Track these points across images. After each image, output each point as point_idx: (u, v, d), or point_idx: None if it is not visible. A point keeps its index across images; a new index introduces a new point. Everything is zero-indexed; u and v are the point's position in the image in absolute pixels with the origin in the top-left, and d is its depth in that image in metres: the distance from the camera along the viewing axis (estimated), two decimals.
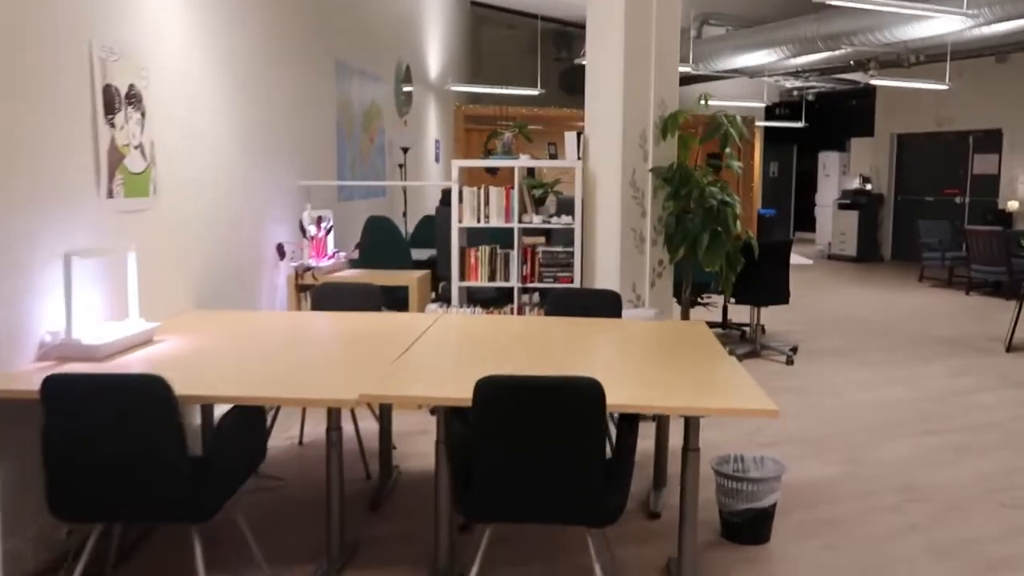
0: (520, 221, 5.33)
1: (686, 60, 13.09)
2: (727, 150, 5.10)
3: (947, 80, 10.54)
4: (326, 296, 4.41)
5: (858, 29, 10.32)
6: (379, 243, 6.41)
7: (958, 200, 13.75)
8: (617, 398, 2.48)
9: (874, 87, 15.20)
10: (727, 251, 5.00)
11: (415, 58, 9.59)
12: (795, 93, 18.31)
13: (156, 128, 3.80)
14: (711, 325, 7.96)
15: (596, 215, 5.24)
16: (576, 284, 5.25)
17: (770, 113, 18.64)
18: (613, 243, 5.14)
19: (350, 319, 3.87)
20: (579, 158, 5.27)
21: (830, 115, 18.84)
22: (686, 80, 14.25)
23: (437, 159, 11.02)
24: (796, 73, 16.15)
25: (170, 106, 3.92)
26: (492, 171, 11.99)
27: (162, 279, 3.85)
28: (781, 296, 6.62)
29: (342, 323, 3.76)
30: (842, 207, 14.84)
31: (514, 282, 5.30)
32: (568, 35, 13.84)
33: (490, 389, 2.39)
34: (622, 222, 5.10)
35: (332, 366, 2.90)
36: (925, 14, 7.36)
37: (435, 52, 10.68)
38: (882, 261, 14.61)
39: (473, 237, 5.52)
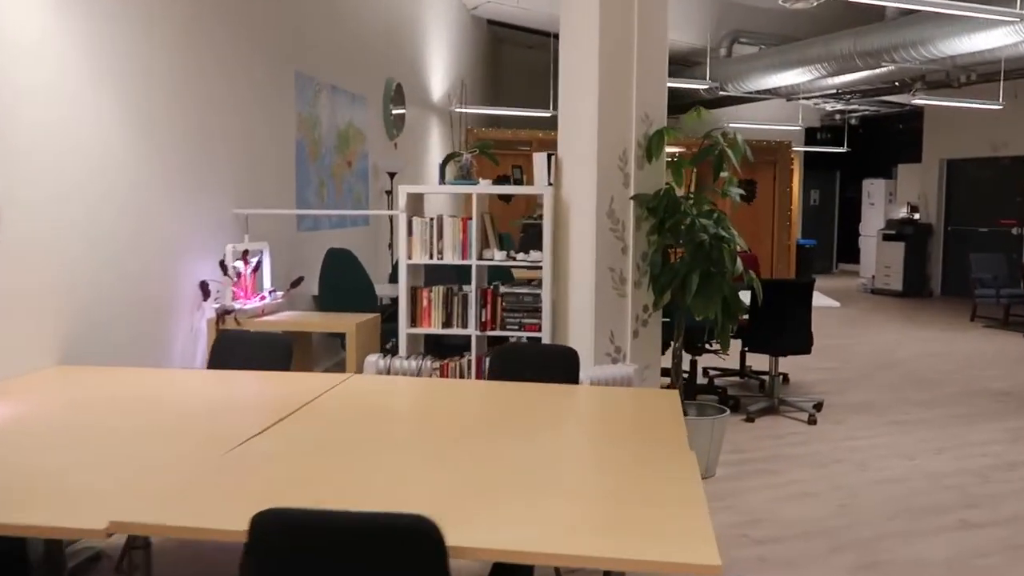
0: (480, 258, 4.53)
1: (714, 80, 12.26)
2: (724, 174, 4.25)
3: (1000, 99, 9.53)
4: (226, 348, 3.66)
5: (899, 44, 9.38)
6: (337, 280, 5.67)
7: (1015, 231, 12.60)
8: (477, 538, 1.65)
9: (921, 110, 14.16)
10: (723, 295, 4.14)
11: (412, 78, 8.90)
12: (837, 117, 17.30)
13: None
14: (727, 374, 7.05)
15: (570, 251, 4.43)
16: (545, 333, 4.43)
17: (811, 137, 17.64)
18: (587, 285, 4.31)
19: (226, 382, 3.10)
20: (550, 183, 4.47)
21: (875, 140, 17.77)
22: (714, 103, 13.39)
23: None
24: (836, 95, 15.17)
25: (27, 109, 3.21)
26: (506, 199, 11.28)
27: (4, 325, 3.13)
28: (801, 344, 5.70)
29: (209, 388, 2.99)
30: (887, 238, 13.77)
31: (471, 329, 4.50)
32: None
33: (270, 526, 1.59)
34: (597, 260, 4.28)
35: (120, 463, 2.12)
36: (971, 15, 6.48)
37: (440, 73, 10.00)
38: (931, 297, 13.48)
39: (442, 274, 4.75)
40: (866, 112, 17.03)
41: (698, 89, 12.64)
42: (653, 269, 4.26)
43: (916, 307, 12.16)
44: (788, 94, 12.76)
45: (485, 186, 4.47)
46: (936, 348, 8.73)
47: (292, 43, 5.90)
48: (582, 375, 4.07)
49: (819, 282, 16.01)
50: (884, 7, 10.06)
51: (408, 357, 4.40)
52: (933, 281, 13.69)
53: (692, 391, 6.27)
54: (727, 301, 4.16)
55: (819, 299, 6.15)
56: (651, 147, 4.18)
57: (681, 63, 13.86)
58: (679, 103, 13.79)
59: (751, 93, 12.35)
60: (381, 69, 7.95)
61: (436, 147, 10.01)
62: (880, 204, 16.22)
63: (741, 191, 4.23)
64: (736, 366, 7.18)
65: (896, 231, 13.60)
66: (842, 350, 8.56)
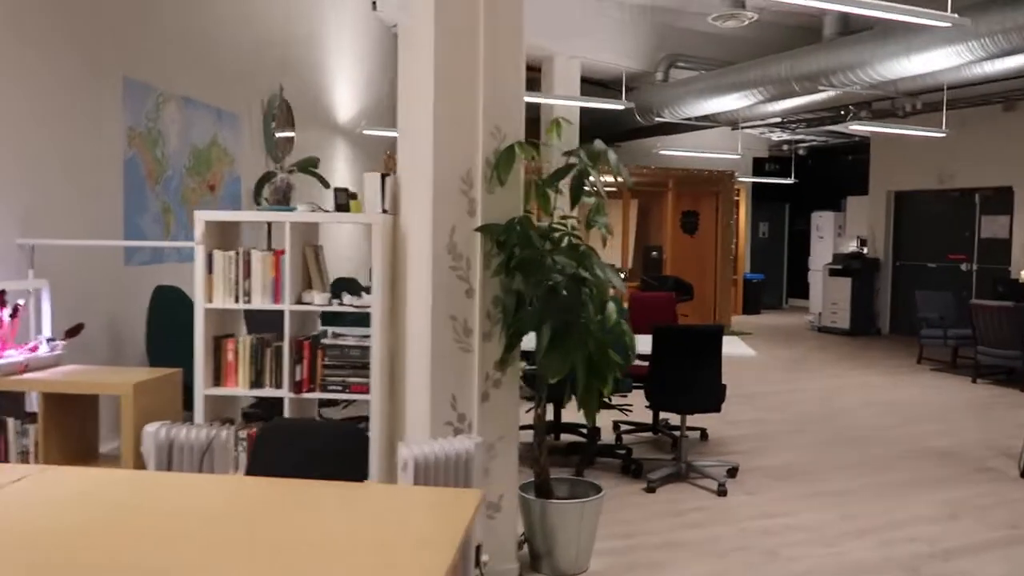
0: (299, 302, 3.66)
1: (646, 105, 11.60)
2: (590, 200, 3.43)
3: (944, 126, 8.92)
4: None
5: (836, 67, 8.75)
6: (168, 326, 4.76)
7: (964, 267, 12.01)
8: None
9: (869, 141, 13.62)
10: (588, 352, 3.30)
11: (306, 97, 8.06)
12: (785, 147, 16.77)
13: None
14: (640, 428, 6.21)
15: (408, 293, 3.58)
16: (375, 395, 3.56)
17: (759, 168, 17.07)
18: (424, 337, 3.46)
19: None
20: (384, 210, 3.62)
21: (824, 171, 17.26)
22: (646, 131, 12.72)
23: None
24: (782, 124, 14.63)
25: None
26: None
27: None
28: (708, 401, 4.89)
29: None
30: (833, 273, 13.13)
31: (284, 391, 3.61)
32: (533, 81, 12.39)
33: None
34: (434, 305, 3.43)
35: None
36: (899, 17, 5.88)
37: (348, 92, 9.18)
38: (879, 335, 12.83)
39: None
40: (814, 143, 16.52)
41: (635, 116, 11.97)
42: (506, 317, 3.42)
43: (862, 347, 11.48)
44: (729, 121, 12.13)
45: (302, 213, 3.62)
46: (878, 396, 7.99)
47: (120, 44, 5.03)
48: (404, 452, 3.21)
49: (767, 319, 15.34)
50: (822, 31, 9.46)
51: (207, 425, 3.50)
52: (881, 319, 13.06)
53: (591, 454, 5.42)
54: (593, 359, 3.32)
55: (733, 347, 5.36)
56: (499, 166, 3.37)
57: (617, 88, 13.21)
58: (614, 131, 13.11)
59: (689, 120, 11.70)
60: (262, 84, 7.10)
61: (342, 172, 9.17)
62: (829, 237, 15.65)
63: (607, 221, 3.41)
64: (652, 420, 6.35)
65: (843, 266, 12.97)
66: (775, 398, 7.79)
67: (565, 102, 9.03)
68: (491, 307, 3.50)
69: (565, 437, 5.97)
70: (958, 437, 6.35)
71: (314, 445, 2.57)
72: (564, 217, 3.46)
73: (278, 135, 7.38)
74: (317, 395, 3.63)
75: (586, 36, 11.41)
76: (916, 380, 8.88)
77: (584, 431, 5.46)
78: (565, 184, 3.48)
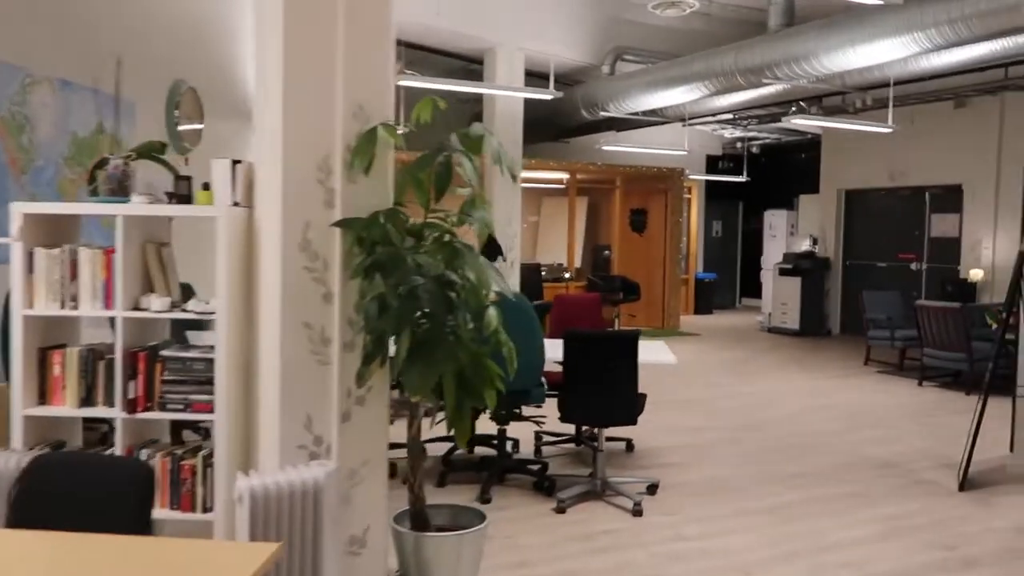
0: (136, 307, 3.18)
1: (592, 100, 11.21)
2: (464, 190, 2.99)
3: (890, 121, 8.62)
4: None
5: (780, 59, 8.42)
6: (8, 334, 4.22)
7: (914, 267, 11.78)
8: None
9: (821, 138, 13.36)
10: (460, 366, 2.87)
11: (219, 85, 7.52)
12: (738, 145, 16.50)
13: None
14: (564, 440, 5.79)
15: (261, 298, 3.12)
16: (220, 414, 3.09)
17: (713, 167, 16.78)
18: (274, 347, 3.01)
19: None
20: (236, 202, 3.15)
21: (777, 169, 17.03)
22: (597, 128, 12.33)
23: None
24: (734, 121, 14.34)
25: None
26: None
27: None
28: (622, 413, 4.48)
29: None
30: (783, 272, 12.85)
31: (116, 410, 3.13)
32: (476, 72, 11.92)
33: None
34: (284, 311, 2.98)
35: None
36: None
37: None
38: (829, 336, 12.57)
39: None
40: (767, 140, 16.27)
41: (582, 111, 11.58)
42: (367, 326, 2.97)
43: (811, 348, 11.19)
44: (677, 117, 11.77)
45: (138, 205, 3.14)
46: (821, 400, 7.66)
47: None
48: (241, 483, 2.76)
49: (718, 319, 15.05)
50: (764, 22, 9.13)
51: (21, 451, 3.02)
52: (832, 320, 12.81)
53: (500, 470, 4.99)
54: (464, 374, 2.89)
55: (653, 353, 4.96)
56: (358, 152, 2.92)
57: (564, 81, 12.80)
58: (563, 126, 12.72)
59: (636, 115, 11.33)
60: (162, 70, 6.56)
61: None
62: (782, 236, 15.39)
63: (486, 216, 2.98)
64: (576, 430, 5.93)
65: (793, 265, 12.69)
66: (714, 403, 7.42)
67: (486, 90, 8.55)
68: (353, 314, 3.05)
69: (480, 450, 5.54)
70: (899, 445, 6.02)
71: (87, 485, 2.10)
72: (435, 211, 3.02)
73: (184, 127, 6.85)
74: (155, 415, 3.16)
75: (530, 28, 10.99)
76: (862, 383, 8.58)
77: (496, 443, 5.03)
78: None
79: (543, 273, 12.57)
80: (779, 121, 13.14)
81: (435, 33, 10.40)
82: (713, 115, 12.88)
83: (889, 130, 8.63)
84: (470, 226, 3.01)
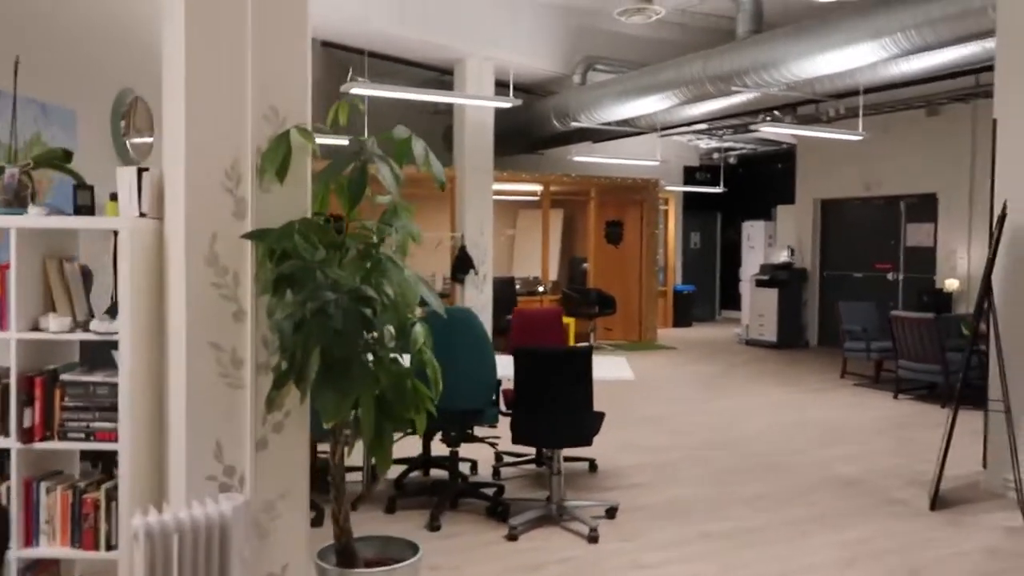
0: (35, 328, 2.94)
1: (563, 111, 11.04)
2: (384, 199, 2.77)
3: (861, 129, 8.48)
4: None
5: (749, 67, 8.28)
6: None
7: (891, 276, 11.65)
8: None
9: (796, 148, 13.24)
10: (379, 388, 2.64)
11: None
12: (715, 155, 16.39)
13: None
14: (520, 461, 5.56)
15: (169, 317, 2.89)
16: (124, 443, 2.85)
17: (690, 177, 16.65)
18: (180, 370, 2.77)
19: None
20: (143, 213, 2.93)
21: (754, 179, 16.92)
22: (571, 138, 12.16)
23: None
24: (709, 131, 14.22)
25: None
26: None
27: None
28: (575, 433, 4.26)
29: None
30: (760, 284, 12.69)
31: (12, 441, 2.88)
32: (448, 83, 11.73)
33: None
34: (189, 331, 2.75)
35: None
36: None
37: None
38: (807, 348, 12.41)
39: None
40: (744, 151, 16.17)
41: (553, 122, 11.41)
42: (283, 345, 2.75)
43: (788, 361, 11.01)
44: (650, 126, 11.62)
45: (33, 218, 2.90)
46: (793, 415, 7.47)
47: None
48: (137, 521, 2.52)
49: (697, 331, 14.87)
50: (735, 30, 9.00)
51: None
52: (809, 331, 12.65)
53: (452, 494, 4.75)
54: (385, 399, 2.66)
55: (610, 370, 4.75)
56: (268, 156, 2.70)
57: (533, 92, 12.65)
58: (537, 137, 12.55)
59: (608, 125, 11.16)
60: (108, 79, 6.32)
61: None
62: (760, 247, 15.26)
63: (406, 226, 2.76)
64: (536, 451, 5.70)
65: (769, 276, 12.53)
66: (684, 419, 7.21)
67: (441, 98, 8.30)
68: (268, 333, 2.83)
69: (438, 472, 5.31)
70: (870, 462, 5.82)
71: None
72: (346, 220, 2.79)
73: (134, 140, 6.60)
74: (54, 445, 2.91)
75: (500, 38, 10.82)
76: (836, 397, 8.40)
77: (448, 464, 4.79)
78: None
79: (517, 287, 12.36)
80: (753, 131, 13.03)
81: (402, 42, 10.22)
82: (687, 124, 12.75)
83: (859, 138, 8.48)
84: (380, 237, 2.79)
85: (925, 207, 11.05)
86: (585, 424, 4.27)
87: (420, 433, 2.90)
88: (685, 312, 15.67)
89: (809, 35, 7.59)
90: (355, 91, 6.77)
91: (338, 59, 9.83)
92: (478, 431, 5.02)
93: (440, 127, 11.47)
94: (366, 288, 2.65)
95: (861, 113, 8.41)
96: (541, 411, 4.22)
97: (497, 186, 11.78)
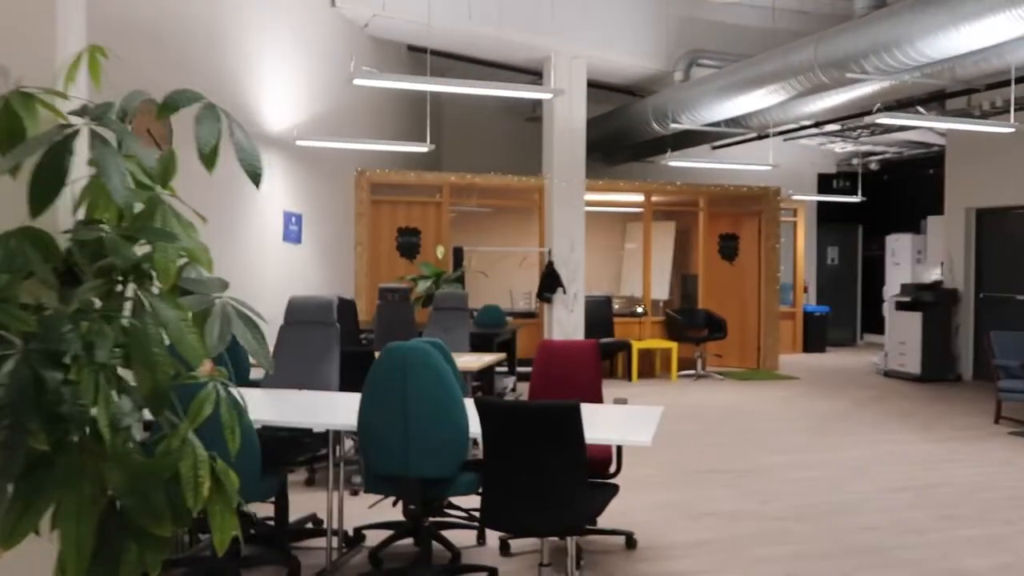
0: None
1: (661, 110, 9.84)
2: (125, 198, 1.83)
3: (1012, 119, 6.85)
4: None
5: (868, 48, 6.87)
6: None
7: None
8: None
9: (946, 149, 11.38)
10: (114, 491, 1.69)
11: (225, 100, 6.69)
12: (855, 161, 14.58)
13: None
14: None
15: None
16: None
17: (826, 186, 14.92)
18: None
19: None
20: None
21: (899, 187, 14.96)
22: (653, 146, 10.90)
23: (297, 238, 8.07)
24: (842, 133, 12.57)
25: None
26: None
27: None
28: (559, 516, 3.13)
29: None
30: (900, 307, 10.94)
31: None
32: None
33: None
34: None
35: None
36: None
37: (281, 99, 7.80)
38: (959, 382, 10.54)
39: None
40: (886, 154, 14.30)
41: (650, 122, 10.23)
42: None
43: (931, 398, 9.29)
44: (760, 127, 10.21)
45: None
46: (922, 474, 5.96)
47: None
48: None
49: (830, 358, 13.16)
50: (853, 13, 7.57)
51: None
52: (962, 363, 10.76)
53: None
54: (120, 503, 1.70)
55: (618, 430, 3.59)
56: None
57: (631, 92, 11.49)
58: (640, 145, 11.39)
59: (711, 126, 9.87)
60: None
61: (279, 194, 7.74)
62: (907, 263, 13.39)
63: (177, 238, 1.80)
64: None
65: (911, 298, 10.76)
66: (773, 475, 5.87)
67: (459, 89, 7.22)
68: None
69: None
70: (1013, 554, 4.35)
71: None
72: (87, 222, 1.86)
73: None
74: None
75: (592, 33, 9.78)
76: (985, 449, 6.77)
77: (426, 538, 3.78)
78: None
79: (615, 307, 11.19)
80: (892, 131, 11.32)
81: (473, 40, 9.38)
82: (812, 126, 11.23)
83: (1011, 130, 6.86)
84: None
85: None
86: (574, 503, 3.14)
87: (219, 550, 1.92)
88: (818, 336, 13.94)
89: (939, 4, 6.12)
90: (359, 82, 5.92)
91: (421, 62, 9.03)
92: (459, 499, 3.99)
93: (536, 135, 10.52)
94: (104, 331, 1.70)
95: (1012, 99, 6.78)
96: (514, 487, 3.14)
97: (595, 196, 10.71)
